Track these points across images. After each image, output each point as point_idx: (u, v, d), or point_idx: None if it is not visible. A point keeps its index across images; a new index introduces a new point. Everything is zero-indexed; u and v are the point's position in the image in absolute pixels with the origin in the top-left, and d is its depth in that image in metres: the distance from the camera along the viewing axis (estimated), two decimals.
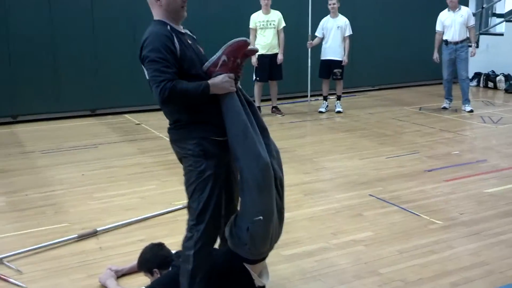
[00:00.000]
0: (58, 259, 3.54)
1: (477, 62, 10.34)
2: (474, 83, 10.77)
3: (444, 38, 8.22)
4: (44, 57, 7.85)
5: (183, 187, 2.72)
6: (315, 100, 8.97)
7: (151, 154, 6.09)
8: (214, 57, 2.71)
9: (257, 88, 8.04)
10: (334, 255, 3.56)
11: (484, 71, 10.76)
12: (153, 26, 2.67)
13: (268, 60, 7.84)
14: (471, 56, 8.21)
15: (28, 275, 3.34)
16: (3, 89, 7.67)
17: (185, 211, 3.85)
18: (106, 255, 3.59)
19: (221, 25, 8.44)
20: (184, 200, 4.14)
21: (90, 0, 8.02)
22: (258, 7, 7.90)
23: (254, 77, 7.96)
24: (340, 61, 8.17)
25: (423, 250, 3.62)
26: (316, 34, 8.31)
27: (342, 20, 8.17)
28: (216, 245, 2.89)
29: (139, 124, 7.75)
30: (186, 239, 2.69)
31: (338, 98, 8.47)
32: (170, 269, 2.99)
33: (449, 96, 8.52)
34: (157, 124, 7.41)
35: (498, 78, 10.48)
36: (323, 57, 8.31)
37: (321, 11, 8.31)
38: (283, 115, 8.18)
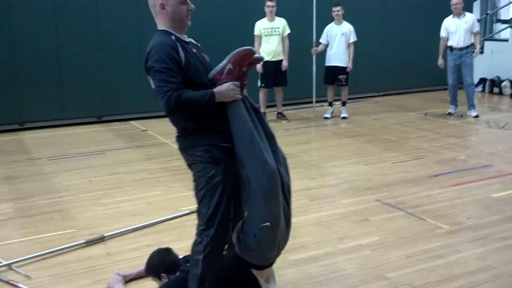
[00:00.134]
0: (65, 265, 3.56)
1: (482, 68, 10.36)
2: (480, 88, 10.78)
3: (449, 44, 8.23)
4: (50, 65, 7.92)
5: (189, 193, 2.75)
6: (320, 106, 8.99)
7: (157, 160, 6.11)
8: (220, 65, 2.74)
9: (262, 95, 8.08)
10: (340, 260, 3.56)
11: (489, 76, 10.77)
12: (157, 36, 2.70)
13: (273, 67, 7.87)
14: (474, 58, 8.18)
15: (36, 280, 3.35)
16: (10, 96, 7.74)
17: (192, 217, 3.89)
18: (113, 261, 3.61)
19: (225, 32, 8.49)
20: (190, 206, 4.19)
21: (95, 8, 8.10)
22: (262, 15, 7.95)
23: (259, 84, 8.00)
24: (345, 67, 8.20)
25: (429, 254, 3.62)
26: (321, 41, 8.34)
27: (347, 27, 8.20)
28: None
29: (145, 130, 7.79)
30: (196, 244, 2.71)
31: (343, 104, 8.49)
32: (177, 273, 3.00)
33: (454, 102, 8.51)
34: (163, 130, 7.45)
35: (503, 83, 10.48)
36: (327, 64, 8.34)
37: (325, 18, 8.35)
38: (289, 121, 8.20)
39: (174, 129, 2.82)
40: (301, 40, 8.66)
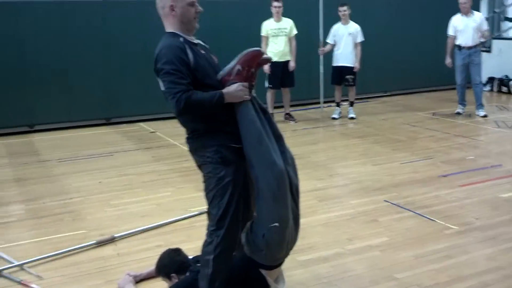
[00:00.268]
0: (76, 265, 3.59)
1: (490, 67, 10.30)
2: (488, 88, 10.72)
3: (457, 43, 8.20)
4: (59, 68, 7.98)
5: (198, 194, 2.77)
6: (328, 106, 8.99)
7: (165, 162, 6.14)
8: (229, 66, 2.76)
9: (269, 95, 8.09)
10: (349, 261, 3.57)
11: (497, 75, 10.70)
12: (165, 38, 2.72)
13: (280, 68, 7.88)
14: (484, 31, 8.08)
15: (47, 281, 3.39)
16: (20, 99, 7.81)
17: (201, 218, 3.91)
18: (123, 261, 3.63)
19: (233, 33, 8.51)
20: (199, 207, 4.21)
21: (102, 10, 8.15)
22: (269, 15, 7.96)
23: (266, 84, 8.01)
24: (352, 68, 8.20)
25: (438, 255, 3.61)
26: (328, 41, 8.34)
27: (354, 27, 8.19)
28: None
29: (153, 132, 7.83)
30: (206, 244, 2.74)
31: (351, 104, 8.48)
32: (187, 274, 3.02)
33: (462, 101, 8.48)
34: (171, 132, 7.49)
35: (511, 82, 10.42)
36: (334, 64, 8.34)
37: (332, 18, 8.35)
38: (296, 122, 8.21)
39: (182, 130, 2.84)
40: (308, 41, 8.67)
